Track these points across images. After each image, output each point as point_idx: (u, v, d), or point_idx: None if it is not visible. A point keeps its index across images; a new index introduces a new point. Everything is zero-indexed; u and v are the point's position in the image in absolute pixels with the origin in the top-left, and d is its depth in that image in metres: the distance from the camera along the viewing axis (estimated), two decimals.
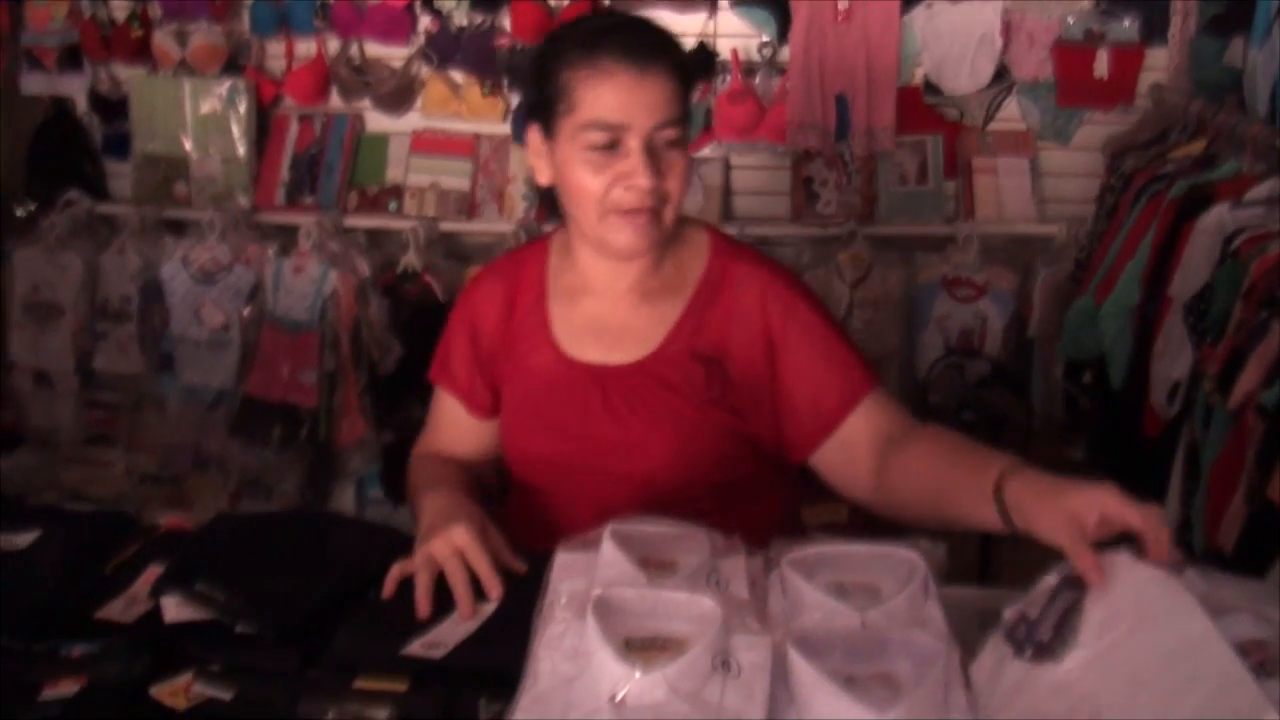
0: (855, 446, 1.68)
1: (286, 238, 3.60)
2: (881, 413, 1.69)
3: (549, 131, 1.67)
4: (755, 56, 3.61)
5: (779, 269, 1.82)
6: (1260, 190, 2.48)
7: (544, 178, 1.72)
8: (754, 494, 1.77)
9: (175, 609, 1.40)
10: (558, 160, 1.67)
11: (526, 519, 1.78)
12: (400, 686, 1.27)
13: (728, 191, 3.71)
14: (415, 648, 1.33)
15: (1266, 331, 2.11)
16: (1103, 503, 1.22)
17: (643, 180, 1.60)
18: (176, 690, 1.29)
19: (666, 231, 1.69)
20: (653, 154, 1.61)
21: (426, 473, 1.79)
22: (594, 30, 1.65)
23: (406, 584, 1.44)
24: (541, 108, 1.68)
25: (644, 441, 1.71)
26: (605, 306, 1.77)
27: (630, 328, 1.75)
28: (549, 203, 1.78)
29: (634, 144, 1.60)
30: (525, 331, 1.80)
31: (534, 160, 1.73)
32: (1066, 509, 1.23)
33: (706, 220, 1.88)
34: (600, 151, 1.61)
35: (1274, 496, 1.94)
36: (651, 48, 1.62)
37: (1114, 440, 2.94)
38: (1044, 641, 1.14)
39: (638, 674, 1.10)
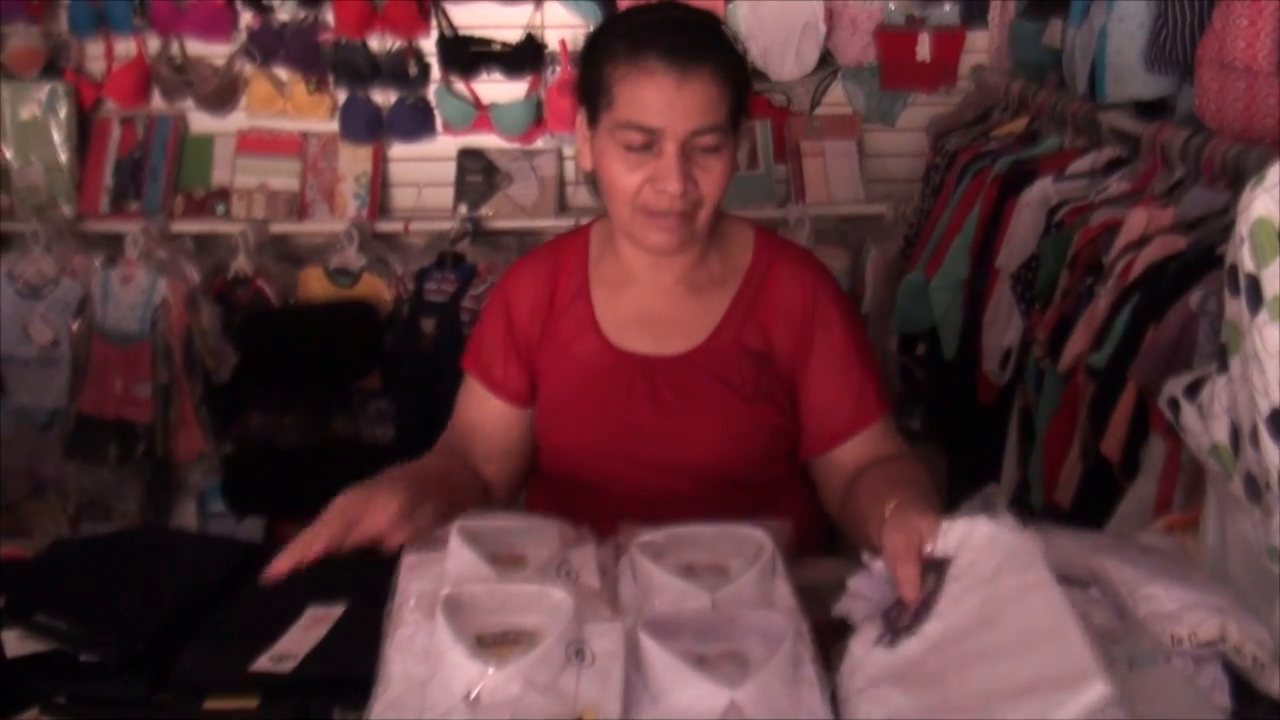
0: (842, 468, 1.68)
1: (113, 247, 3.48)
2: (878, 442, 1.69)
3: (591, 120, 1.64)
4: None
5: (825, 273, 1.81)
6: (1082, 163, 2.58)
7: (585, 163, 1.69)
8: (789, 493, 1.75)
9: (16, 642, 1.34)
10: (596, 150, 1.64)
11: (556, 512, 1.65)
12: (251, 704, 1.24)
13: (562, 182, 3.72)
14: (263, 662, 1.30)
15: (1092, 297, 2.19)
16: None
17: (673, 185, 1.56)
18: None
19: (700, 232, 1.65)
20: (687, 158, 1.57)
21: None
22: (640, 26, 1.60)
23: (254, 595, 1.40)
24: (585, 97, 1.65)
25: (690, 433, 1.69)
26: (651, 297, 1.74)
27: (678, 319, 1.73)
28: (593, 187, 1.74)
29: (669, 148, 1.56)
30: (568, 320, 1.76)
31: (579, 144, 1.70)
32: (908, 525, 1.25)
33: (748, 218, 1.85)
34: (635, 151, 1.58)
35: (1107, 452, 2.02)
36: (696, 50, 1.57)
37: (950, 409, 3.03)
38: (904, 625, 1.17)
39: (491, 670, 1.09)
